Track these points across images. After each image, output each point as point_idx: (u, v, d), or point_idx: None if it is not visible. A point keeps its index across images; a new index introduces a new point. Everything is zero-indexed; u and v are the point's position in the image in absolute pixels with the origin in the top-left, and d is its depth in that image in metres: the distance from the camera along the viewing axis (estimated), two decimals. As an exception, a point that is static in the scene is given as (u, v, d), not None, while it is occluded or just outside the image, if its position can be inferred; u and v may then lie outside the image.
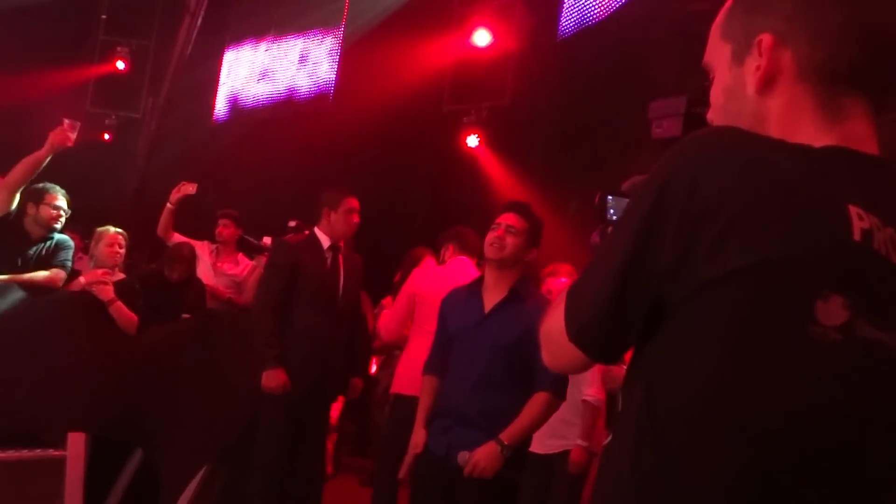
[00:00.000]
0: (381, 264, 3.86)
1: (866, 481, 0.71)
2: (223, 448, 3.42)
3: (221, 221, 4.79)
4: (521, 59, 5.71)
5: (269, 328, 3.28)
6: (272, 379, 3.21)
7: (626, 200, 1.02)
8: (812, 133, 0.75)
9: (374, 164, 6.39)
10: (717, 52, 0.83)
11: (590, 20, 5.23)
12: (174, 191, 4.71)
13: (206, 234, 4.95)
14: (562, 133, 5.81)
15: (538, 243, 2.54)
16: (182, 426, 3.59)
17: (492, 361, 2.38)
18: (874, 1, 0.74)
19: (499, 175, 6.27)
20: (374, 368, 4.93)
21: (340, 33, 7.12)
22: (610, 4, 5.01)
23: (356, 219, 3.49)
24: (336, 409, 5.13)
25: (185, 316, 3.99)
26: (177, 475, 3.44)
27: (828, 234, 0.68)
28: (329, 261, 3.48)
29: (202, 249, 4.79)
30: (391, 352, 4.45)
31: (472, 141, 6.20)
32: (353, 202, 3.49)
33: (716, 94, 0.84)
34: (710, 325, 0.69)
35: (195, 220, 5.04)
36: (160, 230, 4.58)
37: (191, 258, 4.23)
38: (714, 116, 0.84)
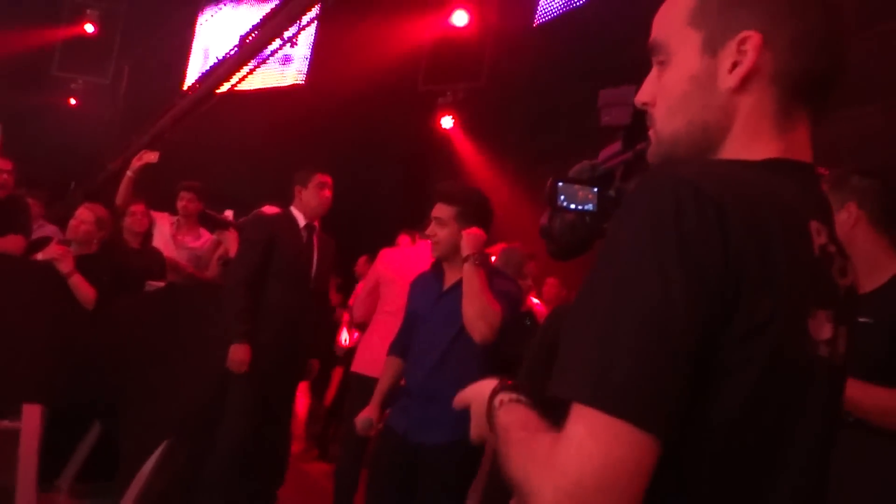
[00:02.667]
0: (354, 245, 3.83)
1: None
2: (185, 423, 3.38)
3: (183, 194, 4.67)
4: (498, 41, 5.67)
5: (242, 303, 3.24)
6: (237, 353, 3.18)
7: (577, 186, 1.01)
8: (767, 137, 0.77)
9: (347, 142, 6.33)
10: (680, 37, 0.80)
11: (567, 6, 5.22)
12: (135, 158, 4.59)
13: (168, 206, 4.84)
14: (537, 117, 5.81)
15: (481, 218, 2.46)
16: (143, 400, 3.54)
17: (451, 338, 2.39)
18: (838, 14, 0.76)
19: (473, 157, 6.26)
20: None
21: (317, 6, 7.00)
22: (589, -10, 5.00)
23: (328, 193, 3.45)
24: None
25: (150, 283, 3.94)
26: (136, 449, 3.40)
27: (802, 252, 0.71)
28: (304, 239, 3.45)
29: (162, 221, 4.70)
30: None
31: (447, 122, 6.17)
32: (324, 177, 3.46)
33: (675, 80, 0.80)
34: (742, 369, 0.68)
35: (156, 191, 4.92)
36: (119, 199, 4.43)
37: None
38: (665, 102, 0.82)
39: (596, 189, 1.04)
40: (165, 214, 4.74)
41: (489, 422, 0.84)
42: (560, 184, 1.02)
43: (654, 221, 0.66)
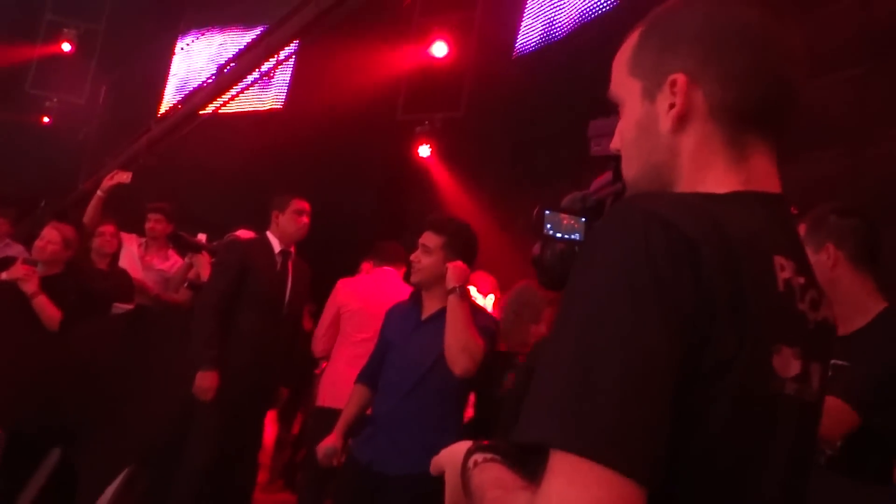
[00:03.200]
0: (329, 271, 3.79)
1: None
2: (148, 450, 3.30)
3: (152, 216, 4.61)
4: (477, 72, 5.74)
5: (210, 329, 3.19)
6: (205, 380, 3.11)
7: (563, 215, 1.02)
8: (721, 170, 0.78)
9: (324, 168, 6.32)
10: (626, 87, 0.84)
11: (546, 39, 5.32)
12: (107, 178, 4.52)
13: (139, 228, 4.77)
14: (514, 148, 5.87)
15: (466, 253, 2.47)
16: (105, 425, 3.45)
17: (423, 370, 2.37)
18: (775, 46, 0.78)
19: (450, 187, 6.28)
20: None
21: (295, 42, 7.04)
22: (566, 25, 5.10)
23: (305, 220, 3.43)
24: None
25: (118, 306, 3.86)
26: (97, 476, 3.31)
27: (766, 288, 0.71)
28: (279, 265, 3.40)
29: (130, 242, 4.62)
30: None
31: (424, 151, 6.20)
32: (302, 204, 3.44)
33: (627, 128, 0.84)
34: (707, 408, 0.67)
35: (127, 212, 4.85)
36: (87, 218, 4.34)
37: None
38: (622, 148, 0.86)
39: (584, 219, 1.04)
40: (133, 235, 4.67)
41: (464, 485, 0.82)
42: (547, 212, 1.02)
43: (625, 258, 0.65)
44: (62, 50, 7.57)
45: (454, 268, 2.35)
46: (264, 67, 5.15)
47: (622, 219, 0.69)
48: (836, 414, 1.58)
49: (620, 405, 0.60)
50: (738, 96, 0.77)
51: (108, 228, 4.20)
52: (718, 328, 0.65)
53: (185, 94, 7.26)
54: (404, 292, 3.22)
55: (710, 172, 0.78)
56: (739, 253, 0.68)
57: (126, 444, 3.35)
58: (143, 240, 4.63)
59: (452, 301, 2.31)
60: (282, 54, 5.21)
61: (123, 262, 4.54)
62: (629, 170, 0.85)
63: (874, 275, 1.82)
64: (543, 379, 0.65)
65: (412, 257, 2.50)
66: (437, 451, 2.59)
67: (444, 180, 6.31)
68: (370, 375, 2.60)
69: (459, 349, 2.29)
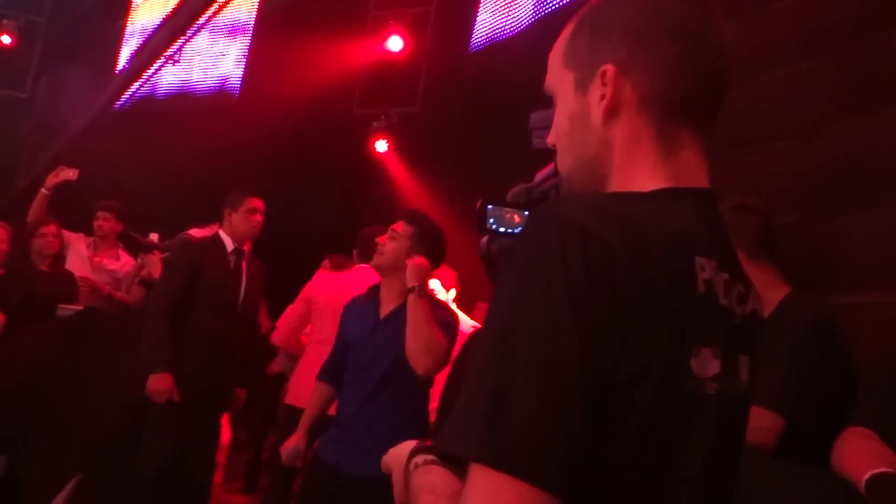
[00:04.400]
0: (285, 268, 3.74)
1: None
2: (98, 456, 3.20)
3: (101, 214, 4.47)
4: (433, 67, 5.73)
5: (162, 331, 3.12)
6: (158, 383, 3.05)
7: (506, 209, 1.01)
8: (651, 163, 0.78)
9: (279, 163, 6.23)
10: (560, 79, 0.84)
11: (501, 35, 5.33)
12: (51, 175, 4.39)
13: (86, 227, 4.63)
14: (471, 143, 5.87)
15: (433, 253, 2.46)
16: (52, 432, 3.35)
17: (385, 369, 2.35)
18: (703, 39, 0.78)
19: (407, 182, 6.26)
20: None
21: (251, 26, 6.93)
22: (522, 20, 5.12)
23: (259, 218, 3.38)
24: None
25: (63, 307, 3.74)
26: (44, 485, 3.21)
27: (685, 290, 0.70)
28: (232, 264, 3.34)
29: (78, 242, 4.48)
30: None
31: (381, 146, 6.17)
32: (255, 202, 3.39)
33: (561, 120, 0.84)
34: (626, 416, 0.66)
35: (74, 210, 4.71)
36: (31, 217, 4.21)
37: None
38: (558, 141, 0.85)
39: (527, 212, 1.04)
40: (81, 235, 4.53)
41: (406, 486, 0.81)
42: (489, 206, 1.01)
43: (542, 267, 0.65)
44: (2, 43, 7.29)
45: (413, 266, 2.32)
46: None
47: (540, 226, 0.68)
48: (762, 421, 1.65)
49: (533, 417, 0.60)
50: (667, 88, 0.77)
51: (49, 229, 4.06)
52: (634, 336, 0.64)
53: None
54: None
55: (640, 166, 0.78)
56: (658, 258, 0.67)
57: (74, 451, 3.25)
58: (92, 239, 4.50)
59: (412, 301, 2.28)
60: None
61: (71, 263, 4.39)
62: (564, 163, 0.85)
63: (774, 264, 1.95)
64: (466, 386, 0.65)
65: (378, 239, 2.49)
66: None
67: (402, 175, 6.29)
68: (331, 372, 2.58)
69: (421, 349, 2.26)
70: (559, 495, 0.59)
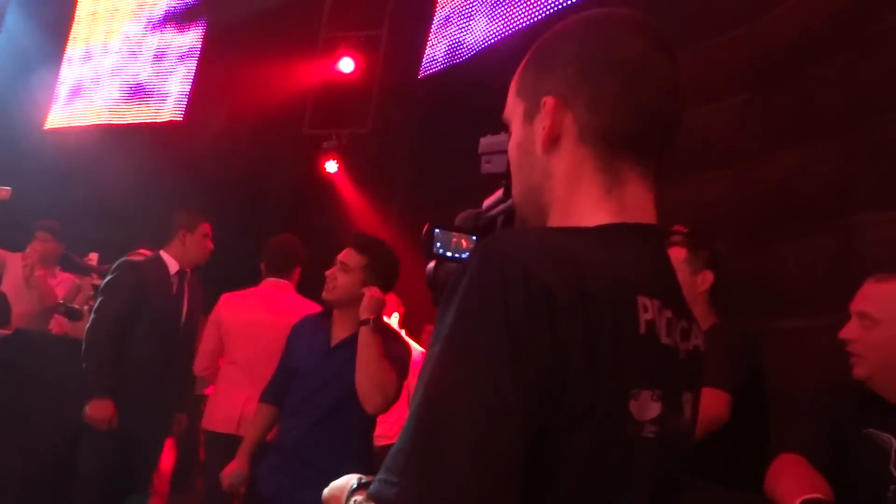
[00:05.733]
0: (232, 288, 3.64)
1: None
2: (31, 484, 3.06)
3: (39, 234, 4.33)
4: (383, 90, 5.75)
5: (105, 355, 3.00)
6: (99, 410, 2.93)
7: (453, 234, 1.00)
8: (594, 197, 0.78)
9: (227, 183, 6.12)
10: (513, 109, 0.85)
11: (452, 60, 5.39)
12: None
13: (22, 248, 4.46)
14: (422, 165, 5.89)
15: (386, 279, 2.41)
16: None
17: (333, 401, 2.29)
18: (645, 74, 0.77)
19: (357, 203, 6.23)
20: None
21: (199, 41, 6.83)
22: (472, 47, 5.19)
23: (211, 245, 3.33)
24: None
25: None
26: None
27: (626, 332, 0.69)
28: (175, 287, 3.25)
29: (14, 262, 4.33)
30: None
31: (332, 166, 6.14)
32: (208, 227, 3.34)
33: (511, 149, 0.85)
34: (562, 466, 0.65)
35: (10, 231, 4.53)
36: None
37: None
38: (511, 170, 0.86)
39: (475, 237, 1.04)
40: (18, 255, 4.37)
41: None
42: (436, 231, 1.00)
43: (482, 309, 0.63)
44: None
45: (370, 298, 2.23)
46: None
47: (483, 264, 0.66)
48: (713, 398, 1.82)
49: (467, 470, 0.58)
50: (607, 122, 0.77)
51: None
52: (574, 382, 0.63)
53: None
54: (296, 308, 3.12)
55: (582, 198, 0.78)
56: (599, 300, 0.66)
57: (7, 479, 3.09)
58: (28, 261, 4.34)
59: (364, 335, 2.20)
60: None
61: (6, 284, 4.24)
62: (514, 190, 0.86)
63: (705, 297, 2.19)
64: (404, 429, 0.63)
65: (328, 273, 2.40)
66: None
67: (352, 196, 6.26)
68: (274, 395, 2.50)
69: (372, 387, 2.20)
70: None
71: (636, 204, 0.78)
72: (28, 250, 4.22)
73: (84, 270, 3.87)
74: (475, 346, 0.62)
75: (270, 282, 3.28)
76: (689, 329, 0.79)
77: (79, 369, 3.06)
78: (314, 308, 3.19)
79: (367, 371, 2.20)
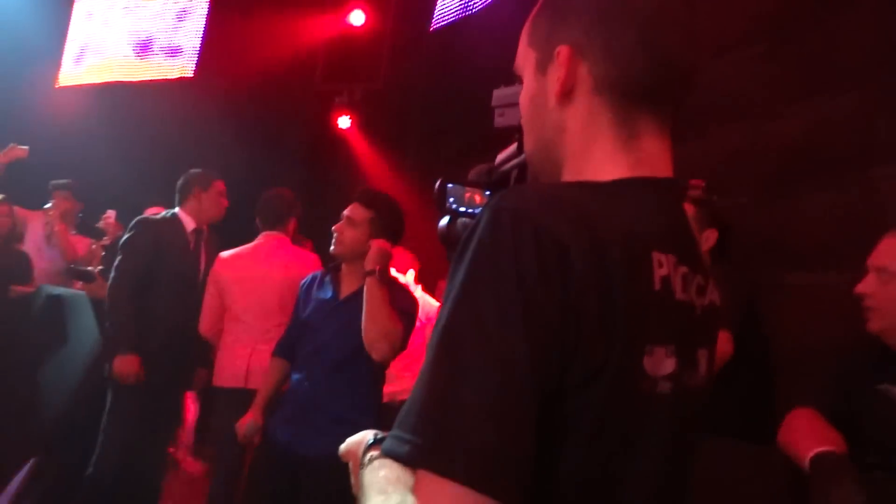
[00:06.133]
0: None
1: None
2: (54, 438, 3.15)
3: (58, 193, 4.41)
4: (395, 44, 5.66)
5: (126, 312, 3.08)
6: (125, 365, 3.01)
7: (466, 188, 0.98)
8: (609, 150, 0.76)
9: (240, 141, 6.10)
10: (525, 60, 0.82)
11: (463, 11, 5.29)
12: (1, 154, 4.33)
13: (40, 207, 4.54)
14: (435, 120, 5.83)
15: (393, 234, 2.44)
16: (5, 414, 3.29)
17: (343, 349, 2.33)
18: (663, 22, 0.74)
19: (370, 158, 6.21)
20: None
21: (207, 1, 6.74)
22: (485, -2, 5.08)
23: (226, 203, 3.38)
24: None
25: (15, 289, 3.66)
26: (1, 466, 3.15)
27: (641, 287, 0.68)
28: (192, 244, 3.31)
29: (35, 221, 4.41)
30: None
31: (344, 122, 6.10)
32: (222, 185, 3.39)
33: (524, 101, 0.82)
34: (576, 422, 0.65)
35: (27, 189, 4.59)
36: None
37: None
38: (523, 122, 0.83)
39: (488, 192, 1.02)
40: (39, 214, 4.46)
41: (361, 480, 0.79)
42: (449, 186, 0.99)
43: (493, 265, 0.62)
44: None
45: (376, 249, 2.26)
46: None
47: (494, 220, 0.65)
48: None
49: (480, 423, 0.58)
50: (623, 72, 0.74)
51: (1, 208, 3.98)
52: (587, 338, 0.63)
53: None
54: (292, 259, 3.15)
55: (597, 152, 0.76)
56: (614, 256, 0.65)
57: (29, 434, 3.19)
58: (49, 218, 4.43)
59: (371, 285, 2.23)
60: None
61: (28, 241, 4.34)
62: (527, 144, 0.83)
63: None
64: (414, 387, 0.63)
65: (335, 228, 2.43)
66: (359, 430, 2.59)
67: (365, 152, 6.23)
68: (287, 349, 2.55)
69: (378, 336, 2.23)
70: (507, 502, 0.58)
71: (653, 157, 0.76)
72: (48, 208, 4.29)
73: (88, 277, 3.96)
74: (486, 303, 0.62)
75: (264, 236, 3.27)
76: (705, 285, 0.78)
77: (100, 325, 3.12)
78: (310, 258, 3.25)
79: (373, 319, 2.23)
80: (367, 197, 2.45)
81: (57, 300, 3.48)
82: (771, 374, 2.03)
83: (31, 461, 3.13)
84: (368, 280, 2.24)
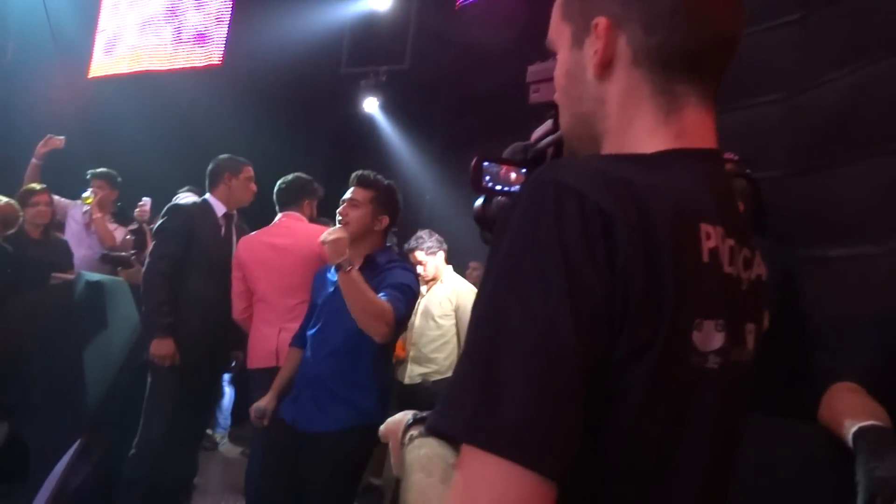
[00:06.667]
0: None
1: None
2: (98, 419, 3.24)
3: (95, 182, 4.51)
4: (420, 23, 5.63)
5: (161, 296, 3.15)
6: (161, 348, 3.09)
7: (503, 167, 0.95)
8: (650, 122, 0.74)
9: (267, 126, 6.15)
10: (559, 34, 0.80)
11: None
12: (40, 144, 4.46)
13: (78, 196, 4.64)
14: (461, 101, 5.81)
15: (391, 210, 2.56)
16: (52, 396, 3.38)
17: (343, 331, 2.38)
18: None
19: (397, 141, 6.21)
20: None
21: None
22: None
23: (254, 187, 3.44)
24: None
25: (57, 276, 3.76)
26: (47, 449, 3.25)
27: (689, 260, 0.67)
28: (223, 228, 3.35)
29: (73, 210, 4.52)
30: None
31: (371, 104, 6.10)
32: (251, 171, 3.45)
33: (559, 76, 0.80)
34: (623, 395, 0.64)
35: (66, 177, 4.70)
36: (24, 186, 4.24)
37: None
38: (557, 98, 0.81)
39: (524, 170, 1.01)
40: (77, 203, 4.58)
41: (401, 458, 0.79)
42: (485, 164, 0.95)
43: (536, 238, 0.61)
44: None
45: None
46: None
47: (535, 194, 0.64)
48: None
49: (525, 398, 0.58)
50: (663, 40, 0.72)
51: (41, 198, 4.08)
52: (634, 311, 0.61)
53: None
54: (306, 234, 3.20)
55: (638, 124, 0.74)
56: (661, 227, 0.64)
57: (76, 415, 3.29)
58: (87, 208, 4.55)
59: (341, 278, 2.26)
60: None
61: (68, 230, 4.45)
62: (562, 120, 0.81)
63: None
64: (459, 362, 0.63)
65: (340, 211, 2.52)
66: (360, 409, 2.63)
67: (392, 134, 6.24)
68: (302, 338, 2.64)
69: (366, 321, 2.27)
70: (552, 478, 0.57)
71: (695, 128, 0.75)
72: (85, 197, 4.40)
73: (125, 263, 4.08)
74: (530, 277, 0.61)
75: (280, 216, 3.35)
76: (752, 258, 0.76)
77: (138, 310, 3.18)
78: (324, 230, 3.28)
79: (355, 308, 2.27)
80: (365, 178, 2.56)
81: (97, 286, 3.56)
82: (811, 349, 2.00)
83: (79, 441, 3.22)
84: (338, 275, 2.27)
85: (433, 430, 0.62)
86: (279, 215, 3.35)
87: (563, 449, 0.58)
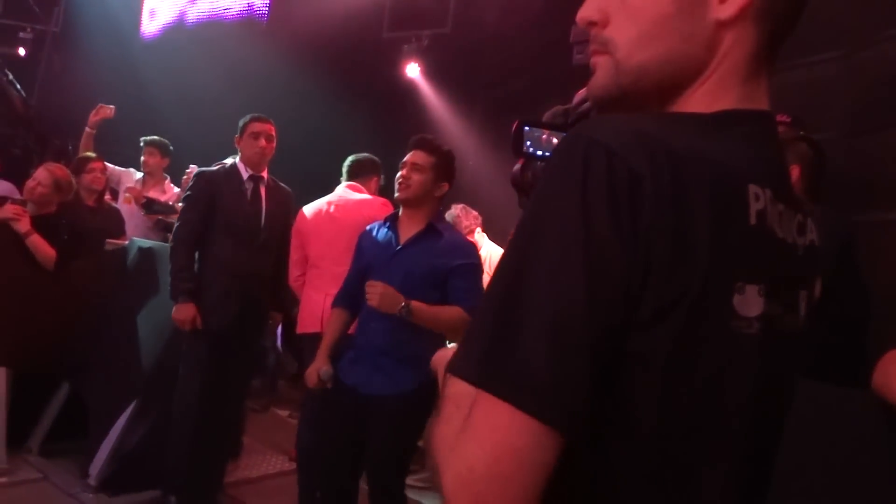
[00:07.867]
0: (318, 194, 3.74)
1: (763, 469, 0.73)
2: (152, 380, 3.35)
3: (146, 150, 4.61)
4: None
5: (182, 261, 3.17)
6: (181, 312, 3.11)
7: (544, 131, 0.94)
8: (733, 80, 0.71)
9: (311, 91, 6.17)
10: None
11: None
12: (92, 113, 4.58)
13: (132, 162, 4.75)
14: (504, 63, 5.72)
15: (450, 177, 2.56)
16: (109, 358, 3.50)
17: (405, 294, 2.37)
18: None
19: (439, 106, 6.17)
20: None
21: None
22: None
23: (263, 143, 3.31)
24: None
25: (110, 242, 3.88)
26: (105, 409, 3.38)
27: (733, 223, 0.65)
28: (249, 192, 3.33)
29: (127, 178, 4.64)
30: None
31: (413, 70, 6.06)
32: (261, 126, 3.32)
33: (659, 3, 0.70)
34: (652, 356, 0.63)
35: (118, 145, 4.81)
36: (80, 154, 4.39)
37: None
38: (637, 25, 0.71)
39: (565, 134, 0.98)
40: (130, 171, 4.69)
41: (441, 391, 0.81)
42: (526, 128, 0.93)
43: (562, 194, 0.61)
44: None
45: (381, 297, 2.31)
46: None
47: (566, 150, 0.63)
48: None
49: (537, 350, 0.58)
50: (784, 9, 0.70)
51: (96, 165, 4.18)
52: (658, 273, 0.60)
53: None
54: (359, 204, 3.27)
55: (722, 80, 0.71)
56: (698, 189, 0.62)
57: (130, 377, 3.40)
58: (141, 175, 4.66)
59: (413, 320, 2.32)
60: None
61: (120, 197, 4.58)
62: (638, 53, 0.71)
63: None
64: (479, 309, 0.63)
65: (401, 174, 2.51)
66: (420, 372, 2.65)
67: (434, 99, 6.20)
68: (347, 298, 2.64)
69: (452, 334, 2.38)
70: (561, 431, 0.58)
71: (760, 91, 0.72)
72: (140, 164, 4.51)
73: (168, 210, 4.19)
74: (549, 228, 0.61)
75: (341, 187, 3.43)
76: (805, 223, 0.74)
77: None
78: (378, 201, 3.37)
79: (438, 330, 2.38)
80: (427, 143, 2.54)
81: (148, 252, 3.65)
82: (867, 316, 1.94)
83: (134, 403, 3.34)
84: (406, 320, 2.33)
85: (452, 373, 0.63)
86: (342, 184, 3.42)
87: (570, 402, 0.58)
